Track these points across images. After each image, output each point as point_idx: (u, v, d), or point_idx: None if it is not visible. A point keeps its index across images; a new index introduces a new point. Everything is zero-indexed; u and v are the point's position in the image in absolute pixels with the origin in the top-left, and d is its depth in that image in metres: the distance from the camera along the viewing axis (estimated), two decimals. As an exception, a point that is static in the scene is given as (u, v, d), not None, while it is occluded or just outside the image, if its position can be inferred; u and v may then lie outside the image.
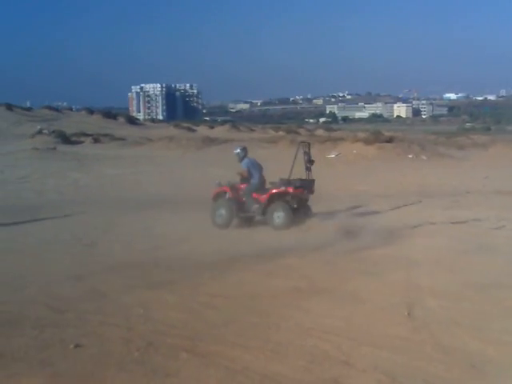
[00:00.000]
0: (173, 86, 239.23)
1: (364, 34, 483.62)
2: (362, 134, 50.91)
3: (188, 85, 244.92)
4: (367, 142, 41.92)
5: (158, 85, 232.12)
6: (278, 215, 15.69)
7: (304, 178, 16.44)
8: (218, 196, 16.55)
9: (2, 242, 14.18)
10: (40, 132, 54.89)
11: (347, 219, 15.49)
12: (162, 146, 45.72)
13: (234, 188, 16.44)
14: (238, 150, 16.90)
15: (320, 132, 74.70)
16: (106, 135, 55.20)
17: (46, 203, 19.45)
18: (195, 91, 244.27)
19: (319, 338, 7.64)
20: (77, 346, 7.38)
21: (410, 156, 38.48)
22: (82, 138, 53.09)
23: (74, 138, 52.61)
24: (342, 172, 28.18)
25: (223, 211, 16.18)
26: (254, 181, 16.33)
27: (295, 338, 7.65)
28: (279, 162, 27.94)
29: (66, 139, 50.89)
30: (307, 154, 16.72)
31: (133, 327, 8.16)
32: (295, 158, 16.43)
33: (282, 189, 15.91)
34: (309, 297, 9.47)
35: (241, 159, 16.72)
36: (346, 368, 6.77)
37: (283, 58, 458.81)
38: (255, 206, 16.10)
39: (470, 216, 16.50)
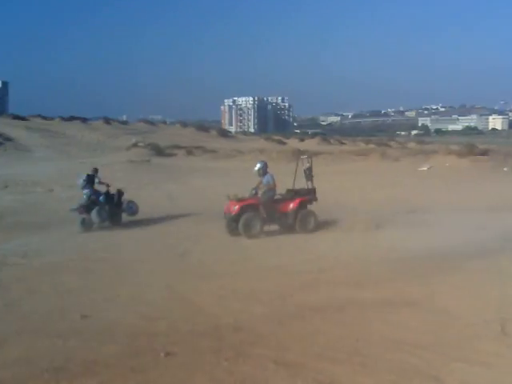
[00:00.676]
0: (265, 99, 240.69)
1: (458, 44, 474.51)
2: (455, 147, 49.79)
3: (280, 98, 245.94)
4: (460, 154, 41.03)
5: (250, 98, 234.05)
6: (309, 221, 17.43)
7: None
8: (246, 208, 17.12)
9: (96, 251, 14.60)
10: (135, 145, 56.17)
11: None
12: (253, 159, 45.92)
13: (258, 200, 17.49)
14: (260, 166, 17.90)
15: (412, 145, 73.63)
16: (198, 148, 55.92)
17: (140, 213, 19.88)
18: (286, 104, 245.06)
19: (408, 352, 7.52)
20: (167, 354, 7.52)
21: (505, 169, 37.35)
22: (176, 151, 53.94)
23: (167, 151, 53.53)
24: (434, 185, 27.57)
25: (254, 222, 16.93)
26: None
27: (384, 352, 7.56)
28: (370, 174, 27.88)
29: (160, 152, 51.86)
30: (309, 168, 18.42)
31: (222, 337, 8.24)
32: (296, 170, 18.31)
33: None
34: (398, 310, 9.32)
35: (263, 173, 17.77)
36: (435, 384, 6.65)
37: (375, 70, 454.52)
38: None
39: None
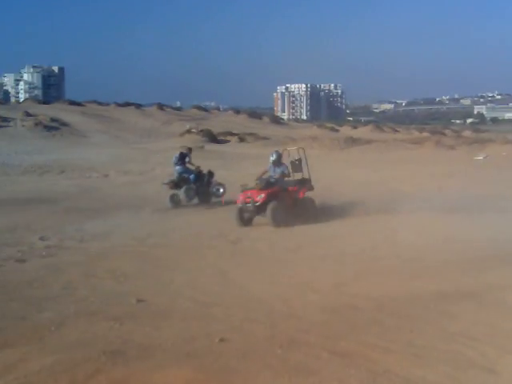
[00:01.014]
0: (317, 86, 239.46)
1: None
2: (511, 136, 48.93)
3: (332, 85, 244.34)
4: (518, 144, 40.29)
5: (303, 85, 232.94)
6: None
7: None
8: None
9: (151, 236, 14.78)
10: (189, 131, 56.54)
11: None
12: (305, 146, 45.49)
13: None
14: (276, 156, 18.06)
15: (467, 133, 72.42)
16: (250, 134, 56.07)
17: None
18: (339, 91, 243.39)
19: (464, 344, 7.42)
20: (222, 340, 7.58)
21: None
22: (228, 137, 54.23)
23: (220, 137, 53.83)
24: (491, 174, 27.09)
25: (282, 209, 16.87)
26: None
27: (439, 344, 7.48)
28: (425, 162, 27.55)
29: (213, 138, 52.17)
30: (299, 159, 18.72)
31: (276, 324, 8.27)
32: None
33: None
34: (454, 301, 9.20)
35: (279, 163, 18.04)
36: (492, 376, 6.56)
37: (429, 57, 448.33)
38: None
39: None
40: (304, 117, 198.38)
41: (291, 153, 19.06)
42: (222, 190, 21.60)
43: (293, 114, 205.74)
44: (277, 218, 16.44)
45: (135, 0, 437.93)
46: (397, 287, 10.15)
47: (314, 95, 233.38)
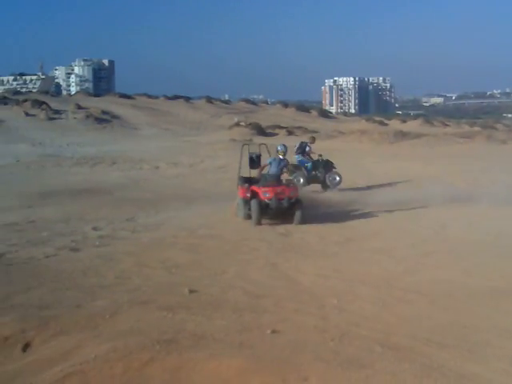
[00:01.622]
0: (366, 79, 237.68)
1: None
2: None
3: (381, 78, 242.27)
4: None
5: (351, 78, 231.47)
6: None
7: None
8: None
9: (202, 227, 14.87)
10: (237, 124, 56.77)
11: None
12: (354, 140, 45.64)
13: None
14: (285, 149, 17.55)
15: (518, 128, 71.19)
16: (299, 128, 56.04)
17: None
18: (388, 85, 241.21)
19: (519, 340, 7.37)
20: (274, 331, 7.63)
21: None
22: (277, 131, 54.26)
23: (268, 131, 53.90)
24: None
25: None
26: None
27: (493, 340, 7.42)
28: (477, 157, 27.19)
29: (261, 131, 52.24)
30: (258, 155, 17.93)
31: (327, 317, 8.29)
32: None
33: None
34: (508, 298, 9.11)
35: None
36: (548, 373, 6.49)
37: (479, 50, 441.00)
38: None
39: None
40: (352, 110, 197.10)
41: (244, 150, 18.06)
42: (337, 179, 22.38)
43: (341, 108, 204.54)
44: (305, 216, 15.77)
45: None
46: (448, 282, 10.08)
47: (363, 89, 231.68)
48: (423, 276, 10.57)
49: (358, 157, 33.12)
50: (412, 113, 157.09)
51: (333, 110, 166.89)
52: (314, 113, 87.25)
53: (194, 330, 7.68)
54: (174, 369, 6.63)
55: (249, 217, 15.63)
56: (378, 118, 79.06)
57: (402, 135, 47.45)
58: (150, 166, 29.82)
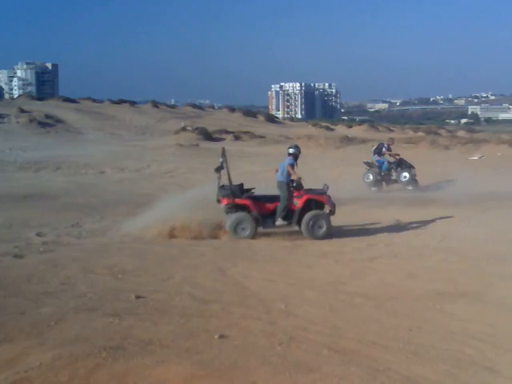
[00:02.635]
0: (312, 85, 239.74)
1: (509, 32, 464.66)
2: (506, 136, 48.95)
3: (327, 84, 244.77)
4: (512, 144, 40.35)
5: (298, 84, 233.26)
6: None
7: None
8: None
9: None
10: (184, 129, 56.42)
11: None
12: (301, 145, 45.12)
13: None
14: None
15: (462, 133, 72.36)
16: (246, 133, 56.01)
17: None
18: (334, 90, 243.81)
19: (463, 343, 7.51)
20: (221, 336, 7.62)
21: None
22: (224, 135, 54.12)
23: (215, 135, 53.75)
24: (488, 175, 27.07)
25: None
26: None
27: (438, 342, 7.55)
28: (421, 162, 27.56)
29: (208, 136, 52.03)
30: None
31: (275, 321, 8.32)
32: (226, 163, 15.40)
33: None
34: (452, 300, 9.28)
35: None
36: (491, 375, 6.64)
37: (423, 57, 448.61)
38: None
39: None
40: (299, 116, 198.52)
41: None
42: (405, 176, 23.66)
43: (287, 113, 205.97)
44: None
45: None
46: (394, 286, 10.23)
47: (309, 94, 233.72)
48: (369, 280, 10.70)
49: (307, 162, 33.28)
50: (357, 118, 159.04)
51: (279, 115, 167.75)
52: (261, 118, 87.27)
53: (141, 336, 7.61)
54: (120, 375, 6.54)
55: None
56: (324, 124, 79.65)
57: (348, 140, 47.88)
58: (95, 171, 29.45)
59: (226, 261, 12.02)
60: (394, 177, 24.14)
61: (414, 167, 23.99)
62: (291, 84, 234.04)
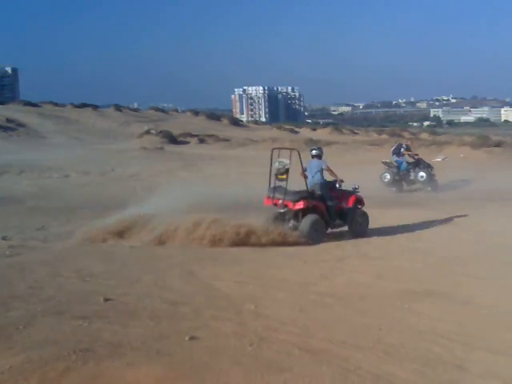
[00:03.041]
0: (275, 88, 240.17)
1: (469, 35, 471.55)
2: (468, 138, 49.66)
3: (290, 88, 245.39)
4: (474, 146, 40.97)
5: (261, 87, 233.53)
6: None
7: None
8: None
9: (118, 236, 14.58)
10: (148, 132, 56.18)
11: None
12: (266, 147, 45.93)
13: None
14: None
15: (425, 136, 72.95)
16: (210, 136, 55.95)
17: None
18: (297, 94, 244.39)
19: (432, 341, 7.57)
20: (192, 338, 7.59)
21: (520, 161, 37.29)
22: (188, 139, 54.00)
23: (180, 139, 53.59)
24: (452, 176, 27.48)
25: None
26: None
27: (407, 341, 7.61)
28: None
29: (172, 139, 51.89)
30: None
31: (245, 322, 8.31)
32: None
33: None
34: (421, 300, 9.37)
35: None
36: (460, 373, 6.70)
37: (386, 61, 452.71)
38: None
39: None
40: (263, 119, 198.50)
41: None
42: (422, 176, 24.35)
43: (251, 116, 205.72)
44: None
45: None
46: (364, 286, 10.29)
47: (272, 97, 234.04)
48: (339, 280, 10.76)
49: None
50: (321, 121, 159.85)
51: (243, 118, 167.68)
52: (225, 121, 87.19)
53: (111, 339, 7.55)
54: (91, 378, 6.48)
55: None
56: (288, 126, 79.83)
57: (313, 143, 48.05)
58: (59, 175, 29.22)
59: (195, 263, 11.97)
60: (412, 177, 24.54)
61: (432, 167, 24.48)
62: (254, 87, 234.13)
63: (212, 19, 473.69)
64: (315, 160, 15.27)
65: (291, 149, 15.24)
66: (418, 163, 24.60)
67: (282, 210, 14.38)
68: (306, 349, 7.29)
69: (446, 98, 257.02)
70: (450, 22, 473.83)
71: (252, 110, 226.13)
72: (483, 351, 7.26)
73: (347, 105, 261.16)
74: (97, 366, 6.74)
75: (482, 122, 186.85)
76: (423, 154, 38.87)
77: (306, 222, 14.09)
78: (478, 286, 10.15)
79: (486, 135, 56.74)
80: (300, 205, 14.29)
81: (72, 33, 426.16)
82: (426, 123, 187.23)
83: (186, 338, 7.58)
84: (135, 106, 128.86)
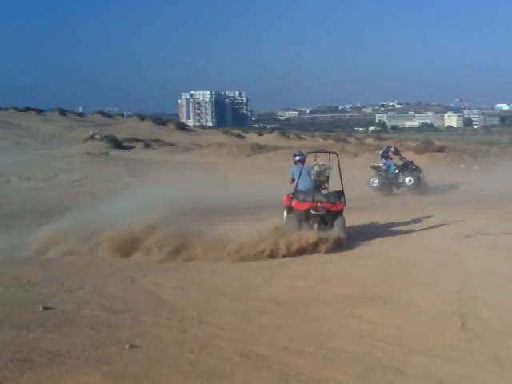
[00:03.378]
0: (222, 93, 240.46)
1: (413, 44, 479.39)
2: (412, 143, 50.41)
3: (237, 92, 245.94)
4: (418, 151, 41.64)
5: (208, 92, 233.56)
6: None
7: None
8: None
9: (62, 242, 14.34)
10: (92, 137, 55.59)
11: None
12: (212, 152, 45.94)
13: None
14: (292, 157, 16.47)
15: (370, 141, 73.93)
16: (156, 141, 55.63)
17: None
18: (244, 98, 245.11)
19: (372, 345, 7.64)
20: (132, 346, 7.51)
21: (462, 166, 38.06)
22: (134, 144, 53.55)
23: (125, 143, 53.09)
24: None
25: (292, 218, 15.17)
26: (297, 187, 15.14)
27: (348, 345, 7.66)
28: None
29: (117, 144, 51.39)
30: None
31: (186, 329, 8.26)
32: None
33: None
34: (361, 304, 9.44)
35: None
36: (399, 376, 6.77)
37: (332, 66, 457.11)
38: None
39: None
40: (210, 123, 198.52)
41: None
42: (408, 180, 24.23)
43: (198, 121, 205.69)
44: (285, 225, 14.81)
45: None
46: (306, 291, 10.34)
47: (219, 102, 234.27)
48: (281, 285, 10.77)
49: (217, 170, 33.38)
50: (268, 126, 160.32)
51: (190, 123, 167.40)
52: (172, 126, 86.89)
53: (49, 348, 7.42)
54: (29, 388, 6.38)
55: None
56: (235, 131, 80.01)
57: (259, 148, 48.21)
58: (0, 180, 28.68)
59: (136, 270, 11.85)
60: (400, 180, 24.42)
61: (421, 170, 24.39)
62: (201, 92, 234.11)
63: (158, 22, 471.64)
64: (300, 165, 15.54)
65: (330, 152, 15.67)
66: (406, 166, 24.54)
67: (320, 213, 14.43)
68: (247, 355, 7.28)
69: (391, 104, 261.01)
70: (395, 28, 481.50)
71: (199, 115, 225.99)
72: (422, 355, 7.35)
73: (294, 110, 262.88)
74: (35, 375, 6.63)
75: (425, 127, 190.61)
76: (368, 158, 39.57)
77: (341, 223, 14.34)
78: (419, 290, 10.26)
79: (429, 140, 57.85)
80: (340, 206, 14.58)
81: (14, 35, 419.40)
82: (372, 128, 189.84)
83: (126, 346, 7.50)
84: (80, 110, 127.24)
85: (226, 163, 37.55)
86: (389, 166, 24.58)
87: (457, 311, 9.04)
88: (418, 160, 38.08)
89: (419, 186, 24.37)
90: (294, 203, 14.81)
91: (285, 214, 15.12)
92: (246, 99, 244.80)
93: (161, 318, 8.78)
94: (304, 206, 14.55)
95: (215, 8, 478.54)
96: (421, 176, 24.48)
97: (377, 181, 24.33)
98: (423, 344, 7.72)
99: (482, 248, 13.64)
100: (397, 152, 25.29)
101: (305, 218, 14.49)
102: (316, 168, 14.94)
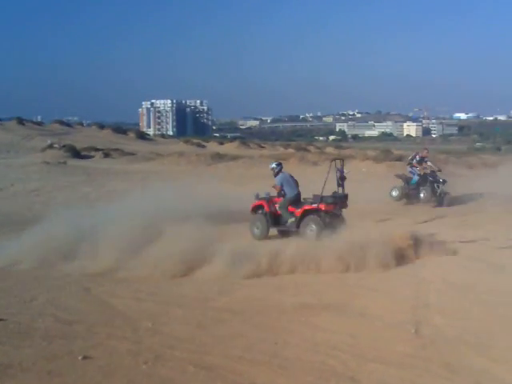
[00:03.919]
0: (183, 102, 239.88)
1: (373, 53, 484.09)
2: (371, 153, 50.82)
3: (198, 101, 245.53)
4: (377, 160, 41.92)
5: (169, 101, 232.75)
6: (311, 229, 15.83)
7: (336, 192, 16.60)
8: (256, 209, 16.93)
9: (15, 254, 14.16)
10: (51, 146, 54.90)
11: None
12: (172, 162, 45.69)
13: (270, 201, 16.79)
14: (273, 165, 17.12)
15: (330, 150, 74.27)
16: (116, 150, 55.15)
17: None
18: (205, 107, 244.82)
19: (327, 354, 7.66)
20: (85, 357, 7.45)
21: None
22: (93, 153, 53.05)
23: (84, 153, 52.56)
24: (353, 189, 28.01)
25: (259, 224, 16.61)
26: (288, 195, 16.52)
27: (302, 354, 7.68)
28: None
29: (76, 153, 50.88)
30: (340, 170, 16.70)
31: (141, 340, 8.21)
32: (328, 174, 16.30)
33: (315, 206, 16.04)
34: (317, 313, 9.47)
35: (275, 174, 16.90)
36: (352, 384, 6.81)
37: (292, 76, 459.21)
38: (290, 220, 16.33)
39: (479, 235, 16.33)
40: (170, 132, 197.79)
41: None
42: (422, 195, 23.50)
43: (159, 130, 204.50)
44: (252, 230, 16.79)
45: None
46: (262, 300, 10.34)
47: (180, 111, 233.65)
48: (237, 295, 10.76)
49: (178, 178, 33.20)
50: (229, 135, 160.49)
51: (150, 132, 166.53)
52: (132, 135, 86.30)
53: (1, 360, 7.35)
54: (-23, 402, 6.28)
55: None
56: (195, 141, 79.71)
57: (219, 157, 48.10)
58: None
59: (91, 280, 11.74)
60: (418, 192, 23.63)
61: (440, 182, 23.37)
62: (162, 101, 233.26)
63: (120, 29, 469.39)
64: (285, 173, 16.94)
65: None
66: (425, 179, 23.60)
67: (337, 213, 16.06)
68: (202, 365, 7.26)
69: (351, 113, 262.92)
70: (356, 38, 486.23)
71: (159, 124, 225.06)
72: (375, 362, 7.41)
73: (255, 119, 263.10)
74: (-16, 388, 6.53)
75: (385, 137, 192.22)
76: (328, 167, 39.75)
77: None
78: (374, 298, 10.34)
79: (388, 149, 58.38)
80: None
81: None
82: (332, 137, 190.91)
83: (79, 358, 7.45)
84: (39, 119, 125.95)
85: (185, 172, 37.35)
86: (413, 175, 23.91)
87: (411, 319, 9.12)
88: (377, 169, 38.66)
89: (433, 199, 23.46)
90: (321, 206, 15.94)
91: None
92: (207, 108, 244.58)
93: (115, 328, 8.73)
94: (329, 207, 15.97)
95: (177, 18, 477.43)
96: (437, 189, 23.36)
97: (395, 193, 23.76)
98: (377, 352, 7.77)
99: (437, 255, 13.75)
100: (422, 161, 24.18)
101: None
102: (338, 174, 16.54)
